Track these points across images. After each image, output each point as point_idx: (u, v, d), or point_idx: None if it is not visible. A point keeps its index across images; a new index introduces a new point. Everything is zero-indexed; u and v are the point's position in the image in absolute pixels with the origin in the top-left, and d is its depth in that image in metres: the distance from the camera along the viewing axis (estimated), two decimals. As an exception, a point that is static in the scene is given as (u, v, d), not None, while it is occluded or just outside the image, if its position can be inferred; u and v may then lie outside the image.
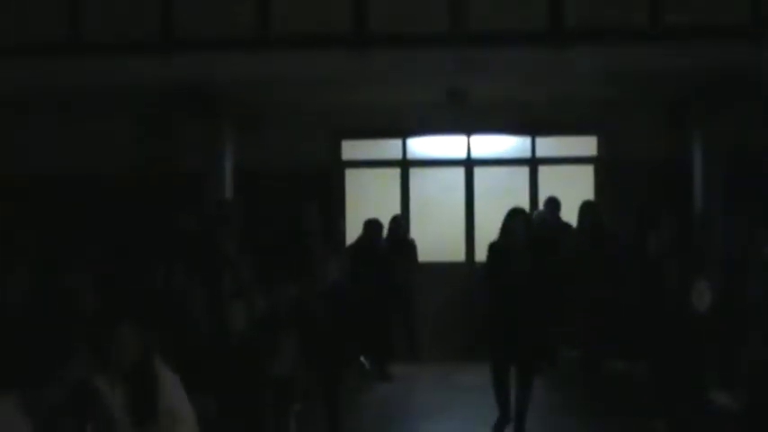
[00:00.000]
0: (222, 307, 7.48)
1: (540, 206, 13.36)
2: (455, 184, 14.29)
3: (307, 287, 9.29)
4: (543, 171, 14.15)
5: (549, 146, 14.18)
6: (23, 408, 4.51)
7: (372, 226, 12.46)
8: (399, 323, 12.81)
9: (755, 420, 7.75)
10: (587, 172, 14.08)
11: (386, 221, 12.95)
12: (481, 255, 13.95)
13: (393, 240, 12.88)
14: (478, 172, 14.26)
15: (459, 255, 14.02)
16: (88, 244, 10.82)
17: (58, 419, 4.57)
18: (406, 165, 14.31)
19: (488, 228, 13.80)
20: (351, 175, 14.31)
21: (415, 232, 13.68)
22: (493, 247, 8.95)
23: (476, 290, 9.61)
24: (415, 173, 14.32)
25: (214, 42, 11.76)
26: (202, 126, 12.64)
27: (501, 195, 13.83)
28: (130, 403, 5.11)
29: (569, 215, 12.56)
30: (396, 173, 14.31)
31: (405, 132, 14.21)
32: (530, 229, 8.91)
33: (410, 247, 13.02)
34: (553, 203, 12.97)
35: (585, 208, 12.24)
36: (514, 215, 8.87)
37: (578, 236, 12.06)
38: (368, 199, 14.03)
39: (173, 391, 5.51)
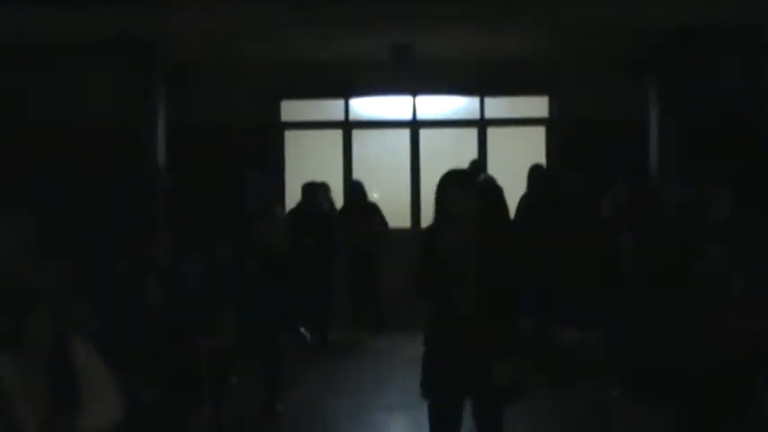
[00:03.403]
0: (140, 281, 6.93)
1: (490, 170, 12.93)
2: (400, 146, 13.96)
3: (243, 250, 8.78)
4: (493, 133, 13.88)
5: (498, 107, 13.90)
6: None
7: (311, 190, 11.95)
8: (364, 291, 12.53)
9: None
10: (539, 133, 13.80)
11: (332, 185, 12.59)
12: (428, 221, 13.67)
13: (352, 205, 12.41)
14: (425, 134, 13.97)
15: (404, 221, 13.62)
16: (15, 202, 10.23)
17: None
18: (348, 126, 13.94)
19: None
20: (290, 137, 13.89)
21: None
22: (428, 237, 5.60)
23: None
24: (358, 135, 14.02)
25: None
26: (135, 81, 12.10)
27: (448, 158, 13.38)
28: (48, 390, 4.59)
29: (520, 179, 12.13)
30: (338, 134, 13.92)
31: (347, 92, 13.83)
32: (483, 200, 5.67)
33: (373, 211, 12.52)
34: (476, 166, 12.58)
35: (535, 172, 11.89)
36: (454, 181, 5.46)
37: (525, 202, 11.74)
38: (308, 162, 13.62)
39: (93, 373, 5.06)
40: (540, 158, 13.17)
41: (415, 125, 13.92)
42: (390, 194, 13.60)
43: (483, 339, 5.38)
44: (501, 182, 12.07)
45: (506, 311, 5.48)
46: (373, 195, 12.91)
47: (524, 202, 11.91)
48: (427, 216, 14.27)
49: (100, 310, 6.54)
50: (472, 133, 13.86)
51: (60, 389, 4.78)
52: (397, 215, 13.41)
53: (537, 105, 13.83)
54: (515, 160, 12.70)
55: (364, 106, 13.98)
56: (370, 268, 12.49)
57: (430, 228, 5.70)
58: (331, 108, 13.94)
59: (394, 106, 13.95)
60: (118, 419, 5.09)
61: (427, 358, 5.60)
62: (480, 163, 12.94)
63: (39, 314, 4.94)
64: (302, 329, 11.60)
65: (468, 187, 5.50)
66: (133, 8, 11.06)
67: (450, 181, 5.48)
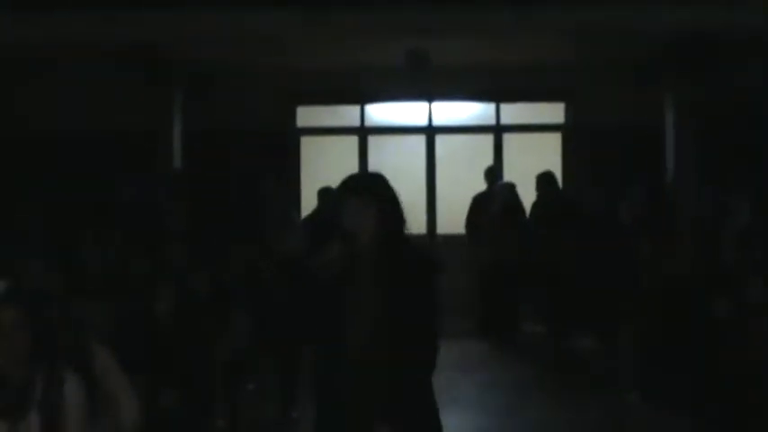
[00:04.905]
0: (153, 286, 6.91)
1: (506, 177, 12.90)
2: (416, 152, 13.85)
3: (261, 257, 8.75)
4: (508, 139, 13.76)
5: (514, 113, 13.78)
6: None
7: (327, 195, 11.89)
8: None
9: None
10: (555, 140, 13.69)
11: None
12: (443, 227, 13.73)
13: None
14: (440, 140, 13.87)
15: (419, 227, 13.52)
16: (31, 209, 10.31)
17: None
18: (364, 132, 13.86)
19: (451, 199, 13.46)
20: (306, 143, 13.83)
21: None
22: (317, 279, 4.44)
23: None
24: (373, 140, 13.91)
25: (166, 0, 11.14)
26: (152, 87, 12.07)
27: (464, 165, 13.51)
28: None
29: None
30: (353, 140, 13.84)
31: (363, 98, 13.76)
32: (384, 213, 4.53)
33: None
34: (492, 173, 12.60)
35: (543, 179, 11.92)
36: (349, 189, 4.53)
37: (537, 209, 11.80)
38: (324, 168, 13.54)
39: (112, 377, 5.09)
40: (557, 165, 13.14)
41: (430, 131, 13.83)
42: (406, 200, 13.51)
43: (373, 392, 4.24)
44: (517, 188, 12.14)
45: (406, 364, 4.23)
46: None
47: (535, 211, 11.93)
48: (443, 222, 14.27)
49: (114, 314, 6.55)
50: (488, 139, 13.76)
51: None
52: (412, 221, 13.35)
53: (553, 111, 13.72)
54: (531, 167, 12.61)
55: (380, 112, 13.90)
56: None
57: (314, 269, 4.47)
58: (347, 114, 13.87)
59: (410, 112, 13.86)
60: (136, 423, 5.09)
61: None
62: (496, 169, 12.91)
63: (56, 314, 4.96)
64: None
65: (365, 196, 4.44)
66: (149, 15, 11.06)
67: (345, 189, 4.51)
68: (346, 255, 4.37)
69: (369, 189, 4.53)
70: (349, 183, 4.54)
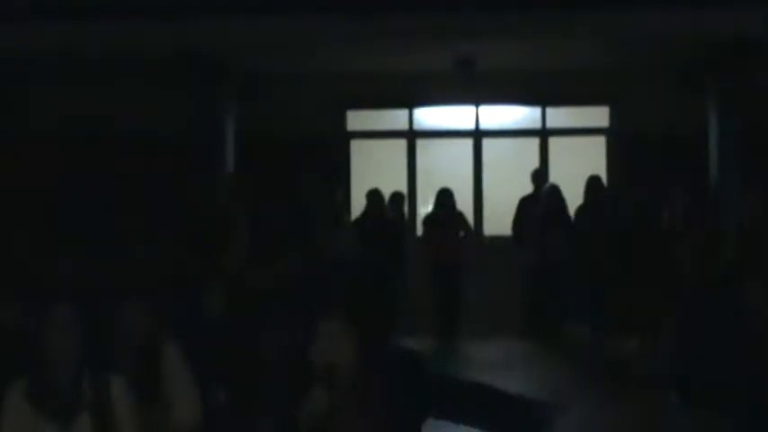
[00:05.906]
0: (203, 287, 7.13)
1: (551, 180, 13.03)
2: (463, 155, 14.01)
3: (309, 261, 8.95)
4: (554, 143, 13.87)
5: (559, 116, 13.89)
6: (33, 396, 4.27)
7: (376, 196, 12.09)
8: (449, 303, 12.30)
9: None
10: (599, 143, 13.78)
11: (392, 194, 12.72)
12: (490, 229, 13.90)
13: (440, 214, 12.45)
14: (487, 143, 14.00)
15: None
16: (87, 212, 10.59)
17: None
18: (412, 135, 14.03)
19: (497, 201, 13.63)
20: (356, 146, 14.03)
21: (422, 206, 13.51)
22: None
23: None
24: (421, 144, 14.06)
25: (216, 5, 11.39)
26: (204, 92, 12.29)
27: (510, 168, 13.63)
28: (133, 385, 4.82)
29: (582, 189, 12.24)
30: (402, 144, 14.02)
31: (411, 102, 13.92)
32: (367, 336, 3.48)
33: (459, 219, 12.56)
34: (539, 176, 12.82)
35: (591, 184, 12.05)
36: (316, 306, 3.58)
37: (583, 213, 11.93)
38: (373, 171, 13.75)
39: (177, 373, 5.31)
40: (601, 168, 13.23)
41: (477, 135, 13.98)
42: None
43: None
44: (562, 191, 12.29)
45: None
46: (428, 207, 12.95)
47: (579, 214, 12.07)
48: (490, 224, 14.42)
49: (167, 313, 6.78)
50: (534, 143, 13.89)
51: (147, 385, 5.02)
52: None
53: (598, 115, 13.83)
54: (576, 170, 12.76)
55: (428, 116, 14.07)
56: (455, 280, 12.31)
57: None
58: (396, 118, 14.04)
59: (457, 116, 14.02)
60: (193, 423, 5.31)
61: None
62: (542, 172, 13.07)
63: (131, 312, 5.19)
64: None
65: (342, 317, 3.27)
66: (202, 22, 11.30)
67: (312, 311, 3.43)
68: (328, 397, 3.39)
69: (345, 305, 3.32)
70: (316, 301, 3.41)
